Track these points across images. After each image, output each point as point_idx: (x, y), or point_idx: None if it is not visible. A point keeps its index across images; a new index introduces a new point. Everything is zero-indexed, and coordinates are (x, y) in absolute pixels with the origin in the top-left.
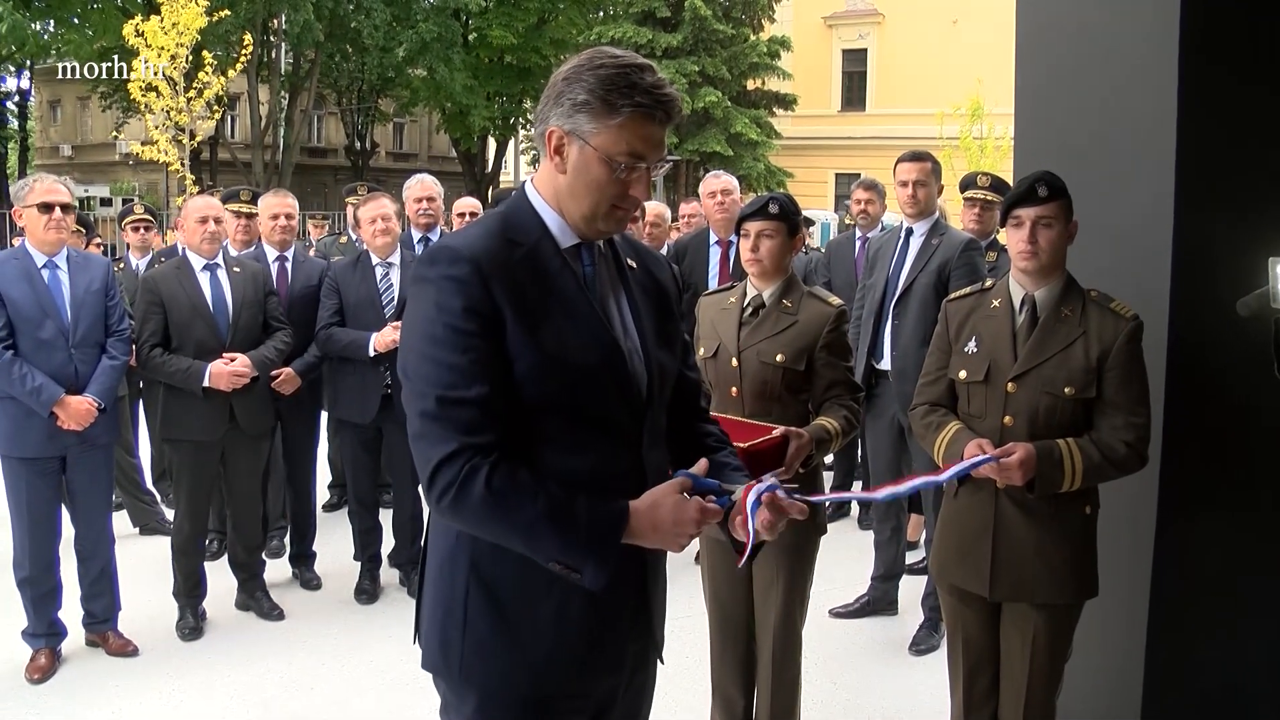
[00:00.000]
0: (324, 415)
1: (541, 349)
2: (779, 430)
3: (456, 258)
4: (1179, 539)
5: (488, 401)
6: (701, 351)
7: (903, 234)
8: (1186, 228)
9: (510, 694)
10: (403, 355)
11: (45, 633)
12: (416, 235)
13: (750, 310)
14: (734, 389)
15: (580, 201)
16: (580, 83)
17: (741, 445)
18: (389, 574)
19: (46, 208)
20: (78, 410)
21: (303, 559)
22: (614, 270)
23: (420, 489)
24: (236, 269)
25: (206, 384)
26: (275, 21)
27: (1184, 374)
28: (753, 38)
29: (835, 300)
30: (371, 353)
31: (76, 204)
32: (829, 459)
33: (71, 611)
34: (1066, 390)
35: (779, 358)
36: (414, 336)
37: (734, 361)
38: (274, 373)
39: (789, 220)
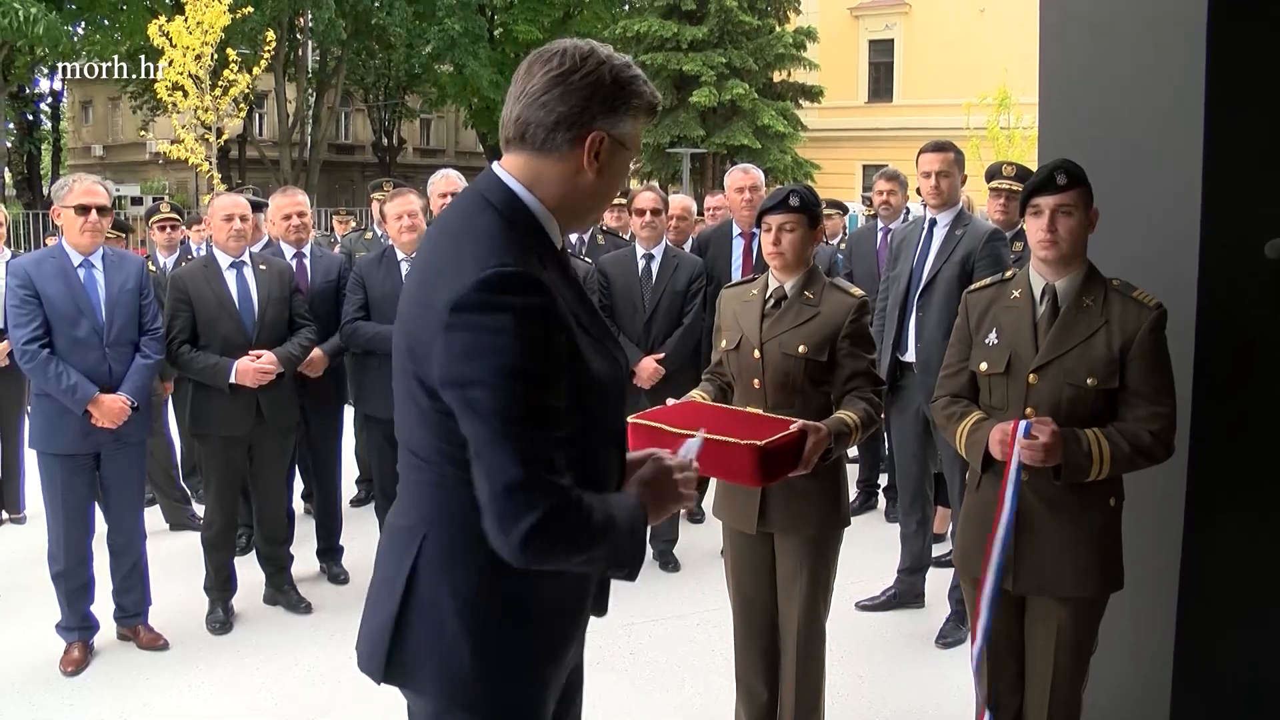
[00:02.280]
0: (349, 411)
1: (587, 367)
2: (796, 425)
3: (533, 284)
4: (1207, 530)
5: (569, 442)
6: (724, 343)
7: (926, 225)
8: (1214, 215)
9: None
10: (471, 387)
11: (78, 626)
12: None
13: (772, 302)
14: (756, 381)
15: (601, 202)
16: (626, 83)
17: (759, 442)
18: None
19: (84, 210)
20: (111, 408)
21: (330, 553)
22: None
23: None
24: (262, 266)
25: (233, 380)
26: (302, 19)
27: (1212, 363)
28: (778, 29)
29: (857, 291)
30: None
31: (113, 206)
32: (853, 452)
33: (103, 606)
34: (1089, 381)
35: (801, 349)
36: (492, 373)
37: (756, 353)
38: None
39: (810, 212)
